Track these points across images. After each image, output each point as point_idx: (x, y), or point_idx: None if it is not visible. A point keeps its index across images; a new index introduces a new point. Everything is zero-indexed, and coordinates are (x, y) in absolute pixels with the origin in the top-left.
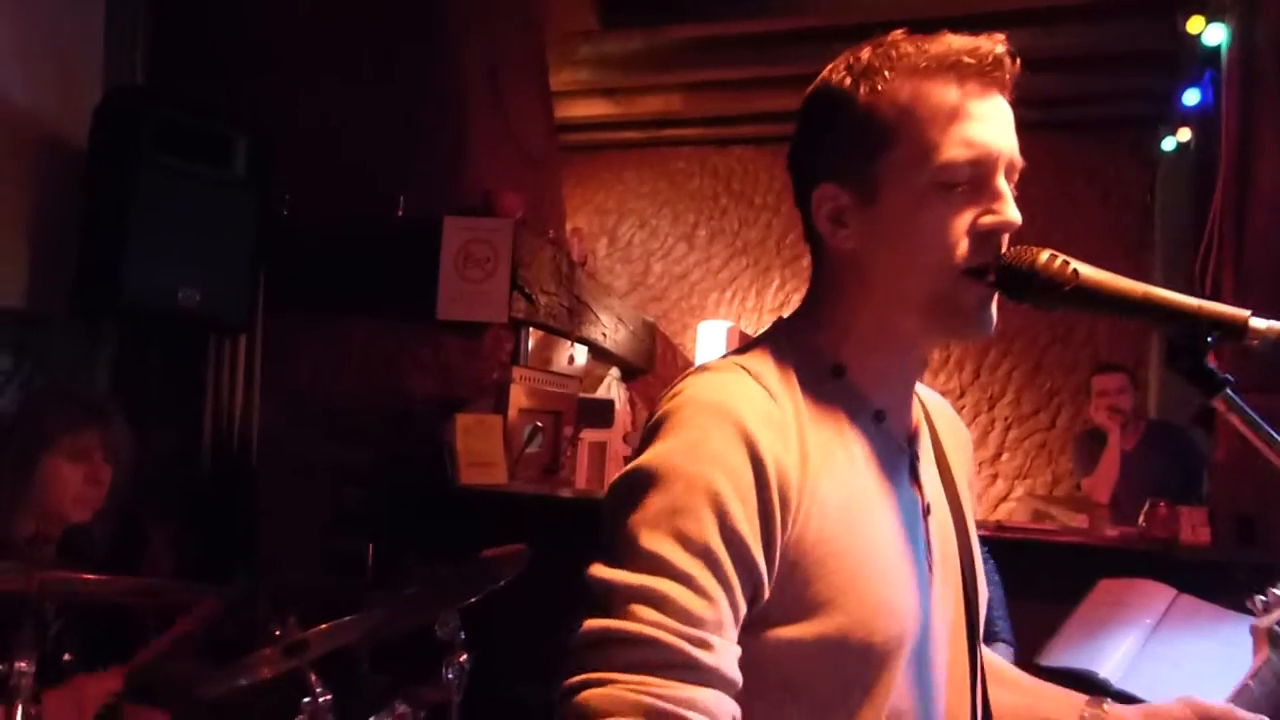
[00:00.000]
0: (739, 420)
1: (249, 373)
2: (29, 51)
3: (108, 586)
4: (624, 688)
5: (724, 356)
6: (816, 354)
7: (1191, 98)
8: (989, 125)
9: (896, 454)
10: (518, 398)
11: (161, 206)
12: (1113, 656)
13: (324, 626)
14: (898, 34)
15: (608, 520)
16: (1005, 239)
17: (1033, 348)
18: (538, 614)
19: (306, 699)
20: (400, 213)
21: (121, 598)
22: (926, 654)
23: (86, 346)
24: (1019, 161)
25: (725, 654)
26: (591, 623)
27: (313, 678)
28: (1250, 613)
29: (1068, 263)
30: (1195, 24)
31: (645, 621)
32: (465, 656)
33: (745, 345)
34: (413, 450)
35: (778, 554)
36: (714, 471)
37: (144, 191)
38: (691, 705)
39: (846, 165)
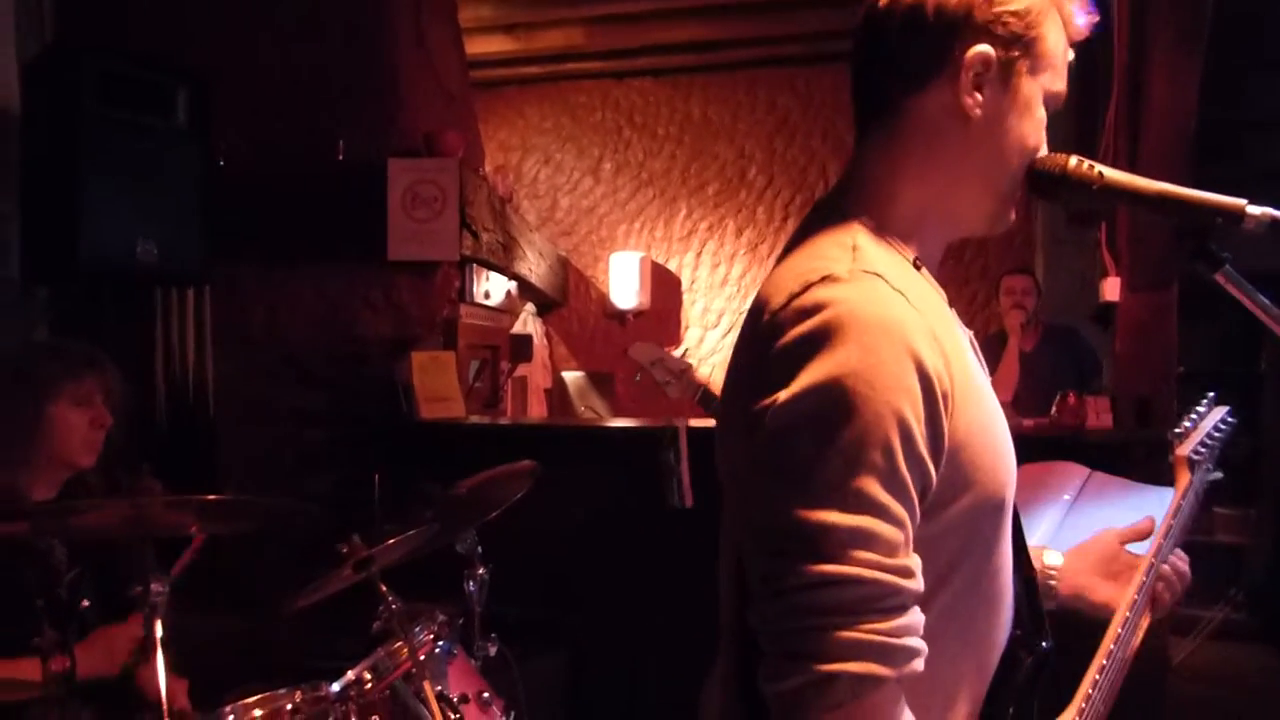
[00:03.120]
0: (904, 336)
1: (199, 323)
2: None
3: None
4: (851, 631)
5: (827, 244)
6: (896, 242)
7: None
8: None
9: (963, 333)
10: (464, 333)
11: (109, 161)
12: (1037, 530)
13: (389, 541)
14: None
15: (785, 445)
16: None
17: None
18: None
19: (380, 607)
20: (340, 156)
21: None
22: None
23: (26, 307)
24: None
25: (918, 570)
26: (806, 566)
27: (383, 588)
28: (1173, 447)
29: (1093, 166)
30: None
31: (860, 563)
32: (483, 570)
33: (819, 226)
34: (370, 389)
35: (944, 454)
36: (898, 398)
37: (91, 147)
38: (907, 631)
39: (1008, 40)
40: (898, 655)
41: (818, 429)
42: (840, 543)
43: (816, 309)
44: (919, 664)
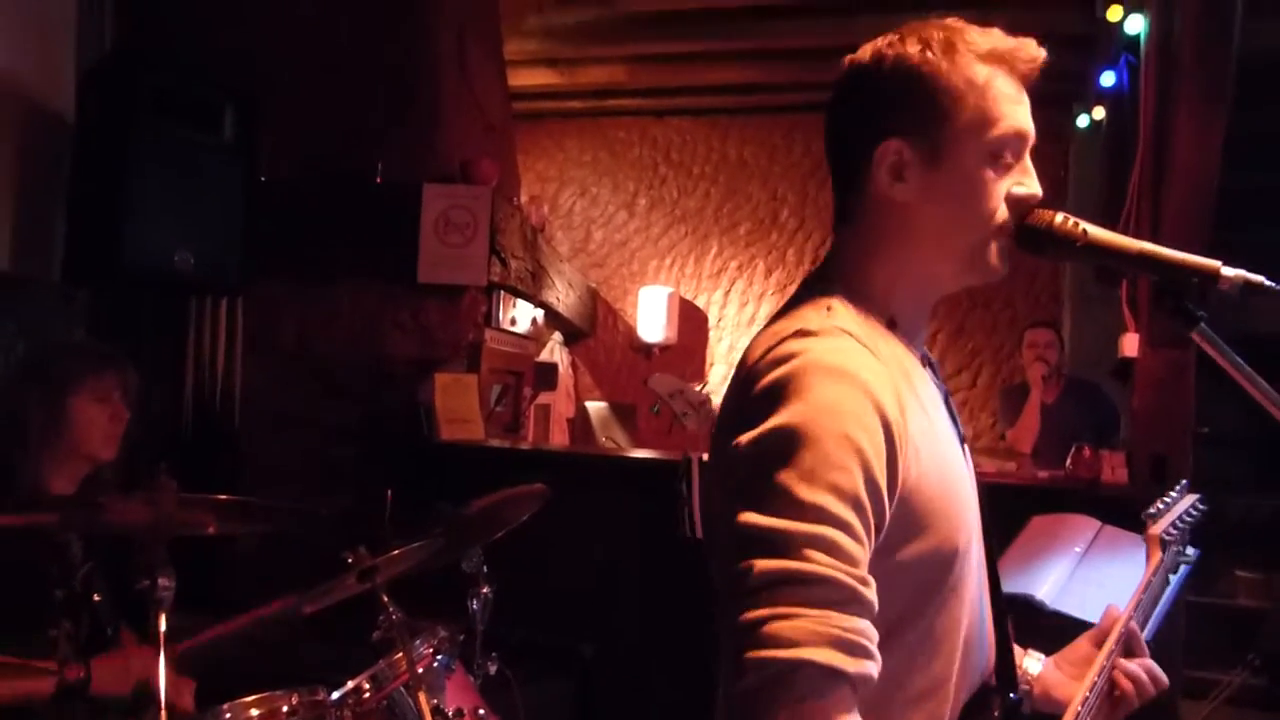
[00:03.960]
0: (864, 383)
1: (230, 334)
2: (7, 15)
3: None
4: (811, 621)
5: (805, 309)
6: (872, 307)
7: (1108, 79)
8: (1028, 112)
9: (938, 391)
10: (488, 358)
11: (156, 171)
12: (1047, 581)
13: (395, 552)
14: (958, 21)
15: (754, 473)
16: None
17: (956, 311)
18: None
19: (381, 617)
20: (378, 179)
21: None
22: (977, 557)
23: (65, 309)
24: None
25: (874, 588)
26: (767, 564)
27: (384, 599)
28: (1146, 526)
29: (1078, 223)
30: (1115, 12)
31: (822, 564)
32: (487, 589)
33: (801, 298)
34: (393, 407)
35: (897, 494)
36: (855, 430)
37: (140, 156)
38: (864, 634)
39: (916, 126)
40: (856, 650)
41: (781, 455)
42: (802, 546)
43: (788, 357)
44: (874, 671)
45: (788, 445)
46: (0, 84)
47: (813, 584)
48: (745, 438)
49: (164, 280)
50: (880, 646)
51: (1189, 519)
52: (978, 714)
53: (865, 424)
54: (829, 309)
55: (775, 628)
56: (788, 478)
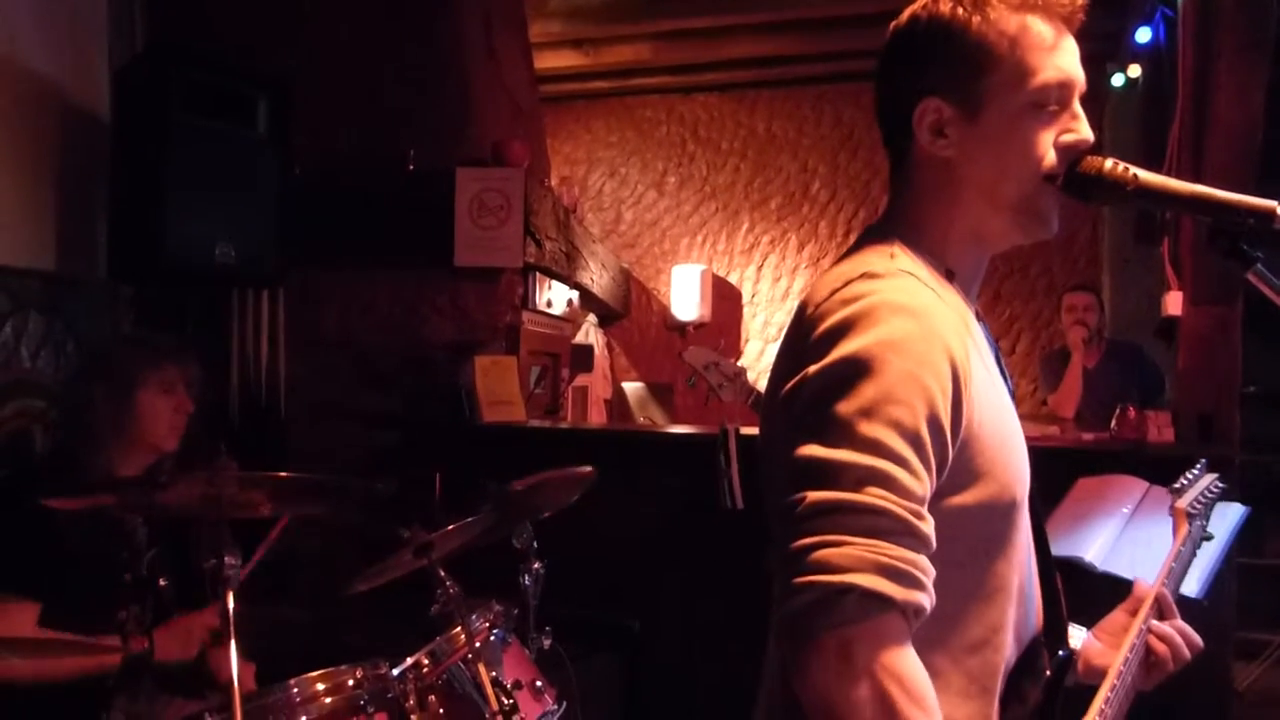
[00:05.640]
0: (932, 323)
1: (272, 325)
2: (41, 17)
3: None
4: (860, 548)
5: (868, 254)
6: (930, 258)
7: (1143, 35)
8: (1073, 57)
9: (990, 345)
10: (526, 340)
11: (193, 167)
12: (1095, 543)
13: (449, 527)
14: None
15: (813, 405)
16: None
17: (992, 278)
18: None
19: (439, 591)
20: (410, 165)
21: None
22: (1026, 511)
23: (111, 305)
24: (1084, 89)
25: (931, 524)
26: (820, 494)
27: (441, 573)
28: (1173, 500)
29: (1128, 168)
30: None
31: (874, 496)
32: (538, 564)
33: (862, 245)
34: (434, 391)
35: (960, 437)
36: (921, 367)
37: (177, 152)
38: (915, 565)
39: (953, 83)
40: (905, 579)
41: (844, 387)
42: (857, 479)
43: (855, 298)
44: (925, 601)
45: (851, 378)
46: (36, 87)
47: (864, 513)
48: (812, 369)
49: (206, 274)
50: (935, 591)
51: (1210, 495)
52: (1028, 668)
53: (932, 362)
54: (893, 255)
55: (824, 554)
56: (848, 410)
